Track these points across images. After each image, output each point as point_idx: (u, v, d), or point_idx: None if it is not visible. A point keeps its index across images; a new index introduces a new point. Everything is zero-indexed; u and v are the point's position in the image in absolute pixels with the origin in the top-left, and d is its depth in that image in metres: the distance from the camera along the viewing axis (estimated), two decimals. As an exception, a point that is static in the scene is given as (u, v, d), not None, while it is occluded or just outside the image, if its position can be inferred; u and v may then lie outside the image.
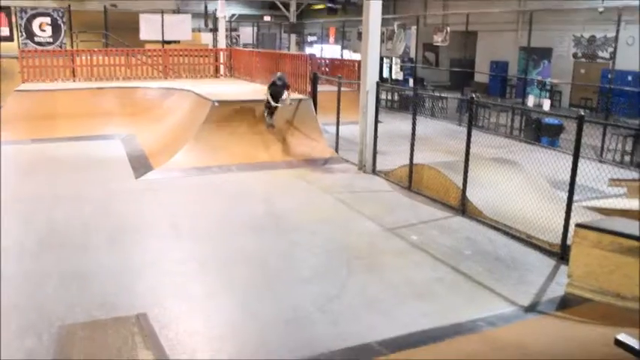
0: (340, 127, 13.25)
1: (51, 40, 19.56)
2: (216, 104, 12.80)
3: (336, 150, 13.20)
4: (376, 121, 11.83)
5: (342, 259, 7.38)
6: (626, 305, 6.11)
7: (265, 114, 13.06)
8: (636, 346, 3.55)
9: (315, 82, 14.32)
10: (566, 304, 6.37)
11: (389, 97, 23.08)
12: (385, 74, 25.68)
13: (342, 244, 7.92)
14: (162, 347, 5.18)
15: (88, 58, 17.93)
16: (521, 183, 9.98)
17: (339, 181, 11.26)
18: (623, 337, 3.66)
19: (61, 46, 19.55)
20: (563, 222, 7.49)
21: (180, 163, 11.73)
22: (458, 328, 5.69)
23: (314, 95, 14.24)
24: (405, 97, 21.98)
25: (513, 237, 8.18)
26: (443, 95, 20.30)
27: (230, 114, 12.87)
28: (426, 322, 5.76)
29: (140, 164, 12.00)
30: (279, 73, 13.19)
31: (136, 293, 6.26)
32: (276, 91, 12.83)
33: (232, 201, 9.75)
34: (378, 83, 11.84)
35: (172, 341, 5.28)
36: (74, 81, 17.46)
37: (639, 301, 6.09)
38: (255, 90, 15.30)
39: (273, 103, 12.74)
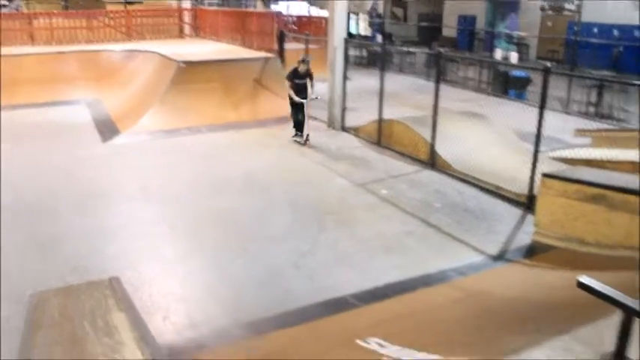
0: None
1: (6, 2, 18.91)
2: (183, 65, 12.59)
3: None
4: (344, 78, 11.78)
5: (313, 215, 7.43)
6: (589, 250, 6.29)
7: (293, 125, 11.00)
8: (597, 287, 3.67)
9: (281, 40, 14.15)
10: (533, 251, 6.54)
11: (358, 54, 22.94)
12: (353, 31, 25.46)
13: (314, 201, 7.96)
14: (135, 309, 5.19)
15: (47, 21, 17.40)
16: (489, 136, 10.10)
17: (310, 139, 11.23)
18: (584, 279, 3.78)
19: (17, 9, 18.94)
20: (529, 173, 7.62)
21: (148, 126, 11.57)
22: (428, 278, 5.81)
23: (281, 53, 14.09)
24: (373, 54, 21.85)
25: (482, 189, 8.30)
26: (411, 50, 20.25)
27: (197, 75, 12.69)
28: (398, 274, 5.86)
29: (107, 129, 11.80)
30: (302, 56, 11.15)
31: (109, 257, 6.23)
32: (300, 83, 10.69)
33: (202, 162, 9.70)
34: (345, 40, 11.75)
35: (146, 303, 5.29)
36: (33, 45, 16.96)
37: (601, 245, 6.29)
38: (221, 50, 15.08)
39: (296, 99, 10.63)
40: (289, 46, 15.27)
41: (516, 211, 7.54)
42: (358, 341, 4.62)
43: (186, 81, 12.48)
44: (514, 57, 18.19)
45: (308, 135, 10.59)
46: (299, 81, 10.60)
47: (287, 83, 10.60)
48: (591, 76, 14.25)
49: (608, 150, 9.97)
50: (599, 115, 14.49)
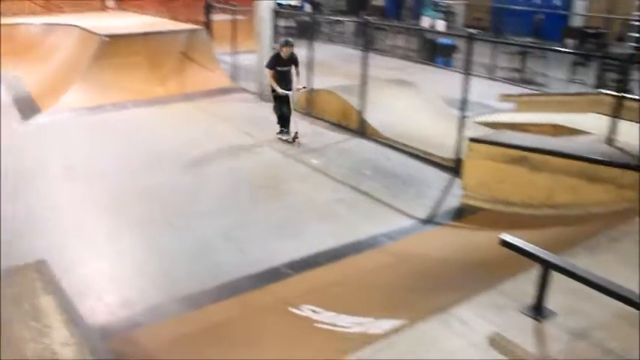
0: (239, 57, 12.98)
1: None
2: (106, 39, 12.13)
3: (235, 80, 12.95)
4: (273, 48, 11.66)
5: (245, 188, 7.39)
6: (514, 210, 6.53)
7: (277, 120, 9.37)
8: (518, 244, 3.83)
9: (208, 11, 13.85)
10: (461, 213, 6.74)
11: (288, 25, 22.70)
12: (282, 1, 25.15)
13: (245, 174, 7.90)
14: (64, 292, 5.04)
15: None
16: (417, 103, 10.26)
17: (239, 111, 11.11)
18: (506, 237, 3.93)
19: None
20: (456, 138, 7.79)
21: (71, 103, 11.12)
22: (360, 244, 5.91)
23: (208, 25, 13.80)
24: (302, 23, 21.69)
25: (411, 155, 8.44)
26: (340, 19, 20.22)
27: (121, 49, 12.24)
28: (330, 242, 5.92)
29: (27, 107, 11.26)
30: (283, 39, 9.26)
31: (34, 240, 6.00)
32: (283, 71, 9.04)
33: (129, 138, 9.43)
34: (273, 10, 11.60)
35: (76, 285, 5.12)
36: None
37: (525, 205, 6.54)
38: (146, 22, 14.62)
39: (280, 91, 8.91)
40: (217, 17, 14.94)
41: (445, 176, 7.72)
42: (292, 309, 4.67)
43: (110, 55, 12.02)
44: (441, 25, 18.48)
45: (297, 133, 9.05)
46: (282, 68, 8.97)
47: (267, 72, 9.07)
48: (514, 43, 14.63)
49: (531, 114, 10.33)
50: (523, 81, 14.94)
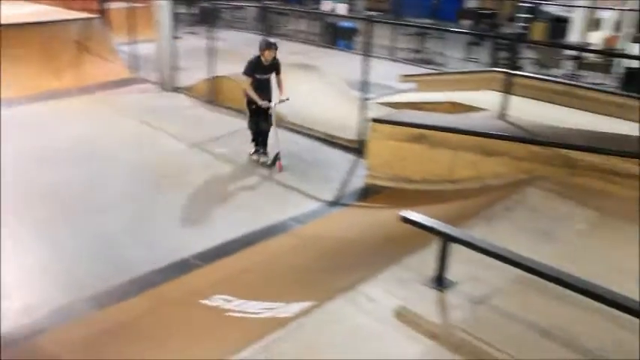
0: (140, 46, 12.57)
1: None
2: (-10, 30, 11.40)
3: (135, 70, 12.55)
4: (174, 36, 11.40)
5: (149, 180, 7.19)
6: (417, 187, 6.74)
7: (252, 138, 7.87)
8: (418, 220, 3.95)
9: (103, -2, 13.34)
10: (366, 193, 6.89)
11: (189, 12, 22.20)
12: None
13: (148, 166, 7.67)
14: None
15: None
16: (321, 86, 10.34)
17: (140, 101, 10.76)
18: (406, 214, 4.05)
19: None
20: (359, 119, 7.92)
21: (-45, 100, 10.40)
22: (268, 230, 5.91)
23: (102, 12, 13.28)
24: (204, 10, 21.27)
25: (316, 138, 8.53)
26: (241, 5, 19.97)
27: (10, 40, 11.52)
28: (239, 230, 5.87)
29: None
30: (265, 41, 7.51)
31: None
32: (263, 79, 7.55)
33: (22, 136, 8.87)
34: (171, -4, 11.31)
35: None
36: None
37: (428, 182, 6.76)
38: (39, 11, 13.86)
39: (262, 103, 7.41)
40: (114, 5, 14.35)
41: (349, 157, 7.84)
42: (202, 301, 4.61)
43: (-3, 47, 11.32)
44: (342, 8, 18.62)
45: (278, 153, 7.50)
46: (262, 76, 7.47)
47: (245, 79, 7.50)
48: (412, 24, 15.01)
49: (430, 93, 10.66)
50: (422, 61, 15.38)
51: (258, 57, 7.37)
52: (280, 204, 6.53)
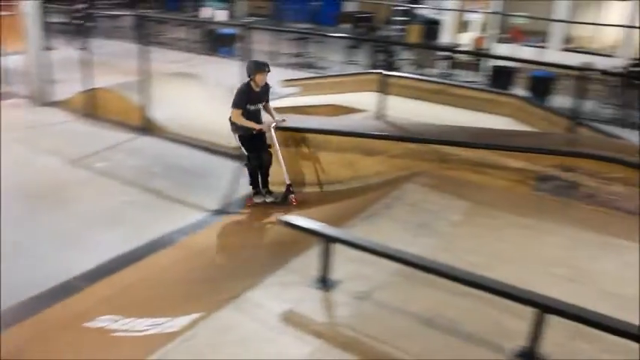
0: (9, 58, 11.82)
1: None
2: None
3: (4, 85, 11.79)
4: (46, 47, 10.86)
5: (23, 202, 6.78)
6: (304, 190, 6.89)
7: (250, 181, 6.74)
8: (298, 223, 4.03)
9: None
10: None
11: (61, 21, 21.20)
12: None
13: (22, 187, 7.20)
14: None
15: None
16: (202, 94, 10.26)
17: (10, 118, 10.09)
18: (286, 218, 4.12)
19: None
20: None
21: None
22: (154, 244, 5.76)
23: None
24: (79, 19, 20.37)
25: (200, 147, 8.44)
26: (115, 14, 19.34)
27: None
28: (123, 246, 5.67)
29: None
30: (253, 63, 6.47)
31: None
32: (255, 110, 6.54)
33: None
34: (41, 4, 10.74)
35: None
36: None
37: (312, 184, 6.89)
38: None
39: (259, 127, 6.47)
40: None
41: (233, 165, 7.79)
42: (87, 324, 4.43)
43: None
44: (221, 15, 18.54)
45: (290, 186, 6.56)
46: (254, 106, 6.48)
47: (235, 112, 6.37)
48: (290, 29, 15.19)
49: (313, 96, 10.86)
50: (305, 65, 15.61)
51: (248, 84, 6.37)
52: (165, 217, 6.40)
